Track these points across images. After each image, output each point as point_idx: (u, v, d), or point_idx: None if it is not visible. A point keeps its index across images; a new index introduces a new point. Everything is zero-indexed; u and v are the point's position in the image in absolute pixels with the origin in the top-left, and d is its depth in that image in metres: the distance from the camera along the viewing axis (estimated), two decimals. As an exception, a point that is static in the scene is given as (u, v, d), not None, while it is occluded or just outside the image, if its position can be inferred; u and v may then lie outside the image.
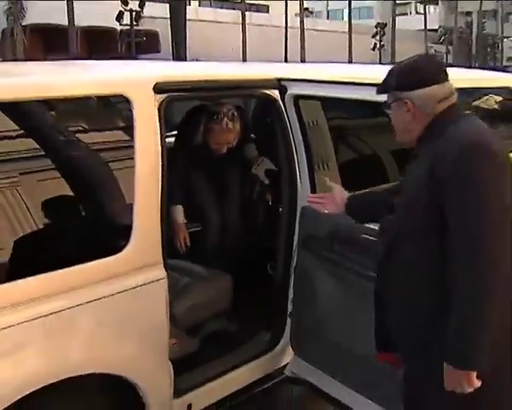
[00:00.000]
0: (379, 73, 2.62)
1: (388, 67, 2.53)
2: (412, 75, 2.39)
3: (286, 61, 36.75)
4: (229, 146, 3.99)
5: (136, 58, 31.37)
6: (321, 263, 3.39)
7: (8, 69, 3.47)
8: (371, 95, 2.66)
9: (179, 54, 29.60)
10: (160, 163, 2.94)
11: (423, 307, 2.33)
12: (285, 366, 3.69)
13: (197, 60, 34.23)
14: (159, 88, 2.99)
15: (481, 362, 2.18)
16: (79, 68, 3.70)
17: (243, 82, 3.52)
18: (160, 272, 2.92)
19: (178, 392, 3.16)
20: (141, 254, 2.86)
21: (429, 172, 2.24)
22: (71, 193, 2.84)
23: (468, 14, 61.62)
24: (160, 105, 2.99)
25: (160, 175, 2.94)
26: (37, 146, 2.80)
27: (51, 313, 2.57)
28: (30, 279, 2.52)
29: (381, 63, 41.58)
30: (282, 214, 3.72)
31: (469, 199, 2.16)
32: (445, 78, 2.38)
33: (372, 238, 2.89)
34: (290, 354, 3.67)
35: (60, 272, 2.59)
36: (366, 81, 3.07)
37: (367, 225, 3.01)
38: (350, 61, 39.98)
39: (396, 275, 2.41)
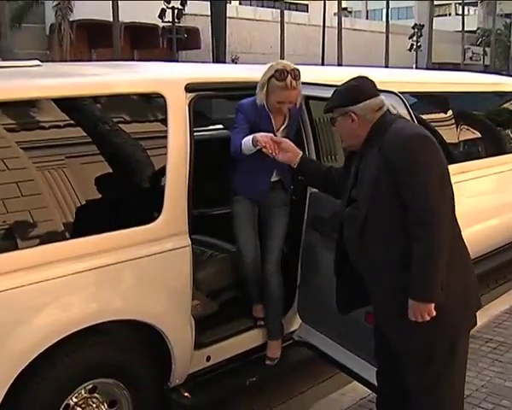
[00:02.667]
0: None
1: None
2: (353, 93, 3.02)
3: (323, 60, 37.04)
4: (290, 106, 3.84)
5: (176, 55, 32.07)
6: (325, 241, 3.91)
7: (65, 70, 4.08)
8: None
9: (219, 50, 30.12)
10: (188, 151, 3.54)
11: (393, 267, 2.91)
12: (293, 331, 4.23)
13: (236, 57, 34.83)
14: (189, 87, 3.60)
15: (438, 296, 2.78)
16: (123, 69, 4.31)
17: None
18: (186, 241, 3.52)
19: (199, 345, 3.73)
20: (170, 224, 3.46)
21: (383, 163, 2.83)
22: (119, 174, 3.44)
23: (508, 16, 61.02)
24: (190, 102, 3.59)
25: (188, 161, 3.53)
26: (98, 134, 3.40)
27: (102, 266, 3.19)
28: (89, 238, 3.16)
29: (417, 65, 41.65)
30: (295, 199, 4.27)
31: (419, 175, 2.77)
32: (377, 92, 3.04)
33: None
34: (298, 321, 4.21)
35: (108, 234, 3.22)
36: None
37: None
38: (386, 62, 40.14)
39: (370, 249, 2.95)
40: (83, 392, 3.28)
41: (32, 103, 3.14)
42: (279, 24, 37.39)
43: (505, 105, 7.16)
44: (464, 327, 3.03)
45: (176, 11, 32.33)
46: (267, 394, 4.21)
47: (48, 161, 3.14)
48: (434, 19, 46.79)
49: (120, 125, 3.43)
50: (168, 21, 32.37)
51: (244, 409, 4.10)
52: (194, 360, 3.73)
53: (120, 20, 29.61)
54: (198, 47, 34.96)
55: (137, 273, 3.35)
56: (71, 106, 3.25)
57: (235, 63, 32.03)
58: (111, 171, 3.40)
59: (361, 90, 3.03)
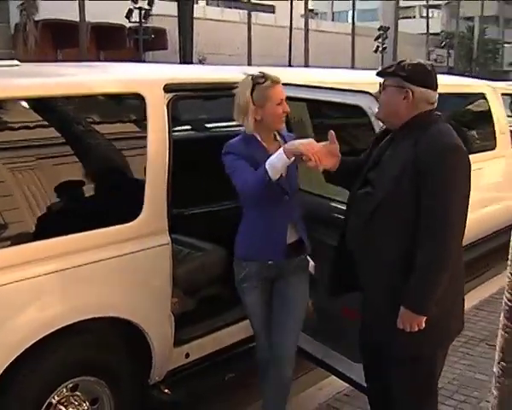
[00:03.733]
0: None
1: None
2: (420, 74, 2.94)
3: (290, 61, 37.24)
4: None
5: (143, 56, 31.91)
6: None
7: (45, 70, 4.09)
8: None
9: (186, 51, 30.07)
10: (167, 150, 3.58)
11: (394, 264, 2.89)
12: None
13: (203, 57, 34.81)
14: (168, 88, 3.64)
15: (431, 310, 2.81)
16: (101, 70, 4.34)
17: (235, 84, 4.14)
18: (166, 239, 3.56)
19: (178, 342, 3.78)
20: (150, 222, 3.50)
21: (412, 160, 2.78)
22: (100, 173, 3.49)
23: (470, 19, 62.03)
24: (169, 102, 3.63)
25: (167, 160, 3.57)
26: (80, 133, 3.44)
27: (84, 264, 3.22)
28: (68, 237, 3.19)
29: (382, 66, 42.08)
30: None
31: (447, 188, 2.75)
32: (437, 87, 2.97)
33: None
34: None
35: (86, 233, 3.25)
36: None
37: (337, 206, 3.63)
38: (352, 63, 40.52)
39: (375, 238, 2.91)
40: (64, 390, 3.30)
41: (15, 103, 3.16)
42: (246, 25, 37.50)
43: (470, 106, 7.34)
44: (451, 335, 3.10)
45: (143, 11, 32.23)
46: (245, 390, 4.27)
47: (31, 161, 3.17)
48: (399, 21, 47.30)
49: (101, 124, 3.48)
50: (135, 22, 32.23)
51: (223, 405, 4.14)
52: (174, 357, 3.78)
53: (87, 20, 29.40)
54: (165, 48, 34.85)
55: (118, 271, 3.39)
56: (54, 105, 3.28)
57: (202, 64, 32.05)
58: (92, 170, 3.44)
59: (430, 76, 2.96)
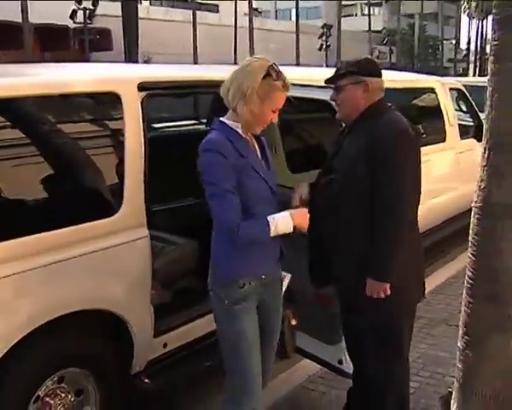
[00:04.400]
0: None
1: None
2: (370, 66, 3.23)
3: (235, 60, 37.35)
4: None
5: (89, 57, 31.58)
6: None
7: (10, 70, 4.15)
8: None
9: (131, 51, 29.88)
10: (143, 147, 3.70)
11: (359, 246, 3.16)
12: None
13: (149, 57, 34.65)
14: (141, 87, 3.76)
15: (392, 278, 3.08)
16: (74, 69, 4.41)
17: (206, 82, 4.28)
18: (144, 232, 3.68)
19: (157, 333, 3.90)
20: (129, 217, 3.61)
21: (369, 147, 3.04)
22: (80, 170, 3.59)
23: (411, 16, 63.36)
24: (143, 100, 3.75)
25: (143, 156, 3.69)
26: (58, 132, 3.52)
27: (65, 260, 3.31)
28: (50, 233, 3.27)
29: (327, 64, 42.65)
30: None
31: (398, 165, 3.02)
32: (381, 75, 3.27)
33: None
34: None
35: (70, 228, 3.35)
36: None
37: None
38: (297, 61, 40.91)
39: (341, 220, 3.20)
40: (50, 383, 3.39)
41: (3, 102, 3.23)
42: (191, 24, 37.50)
43: (421, 101, 7.63)
44: (414, 302, 3.38)
45: (87, 12, 31.91)
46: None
47: (12, 159, 3.27)
48: (342, 19, 47.97)
49: (80, 123, 3.57)
50: (80, 22, 31.89)
51: (202, 391, 4.25)
52: (153, 347, 3.89)
53: (30, 21, 28.94)
54: (110, 48, 34.58)
55: (100, 264, 3.48)
56: (31, 105, 3.38)
57: (148, 64, 31.88)
58: (74, 168, 3.54)
59: (377, 66, 3.27)
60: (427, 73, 9.22)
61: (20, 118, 3.39)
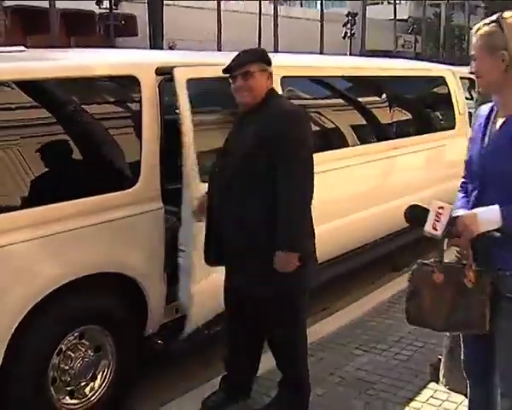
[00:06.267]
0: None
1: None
2: (267, 56, 3.48)
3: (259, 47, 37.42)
4: None
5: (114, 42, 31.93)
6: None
7: (38, 55, 4.51)
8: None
9: (156, 37, 30.23)
10: (159, 126, 4.03)
11: (259, 226, 3.35)
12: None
13: (173, 43, 34.97)
14: (159, 71, 4.09)
15: (301, 248, 3.30)
16: (97, 54, 4.77)
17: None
18: (159, 204, 4.02)
19: (170, 299, 4.23)
20: (145, 190, 3.96)
21: (263, 131, 3.30)
22: (102, 146, 3.96)
23: (437, 5, 62.79)
24: (160, 84, 4.08)
25: (159, 135, 4.02)
26: (85, 112, 3.89)
27: (89, 226, 3.67)
28: (76, 201, 3.63)
29: (350, 52, 42.62)
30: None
31: (297, 146, 3.29)
32: None
33: None
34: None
35: (93, 197, 3.71)
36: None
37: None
38: (321, 49, 40.96)
39: (236, 204, 3.38)
40: (72, 338, 3.74)
41: (30, 84, 3.59)
42: (215, 11, 37.71)
43: (431, 89, 7.87)
44: (313, 274, 3.66)
45: (113, -2, 32.35)
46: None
47: (45, 136, 3.67)
48: (367, 7, 47.87)
49: (102, 104, 3.92)
50: (105, 8, 32.30)
51: (212, 355, 4.56)
52: (166, 312, 4.23)
53: (56, 6, 29.40)
54: (135, 34, 34.95)
55: (120, 231, 3.84)
56: (64, 86, 3.74)
57: (172, 50, 32.18)
58: (97, 146, 3.92)
59: (268, 56, 3.51)
60: (452, 64, 9.41)
61: (52, 99, 3.78)
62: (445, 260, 2.73)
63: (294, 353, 3.70)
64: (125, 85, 4.06)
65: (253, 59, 3.40)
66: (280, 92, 4.82)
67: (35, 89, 3.63)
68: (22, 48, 4.09)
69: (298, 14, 50.74)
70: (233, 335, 3.87)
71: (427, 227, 2.63)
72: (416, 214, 2.79)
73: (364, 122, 6.28)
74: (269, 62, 3.46)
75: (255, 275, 3.41)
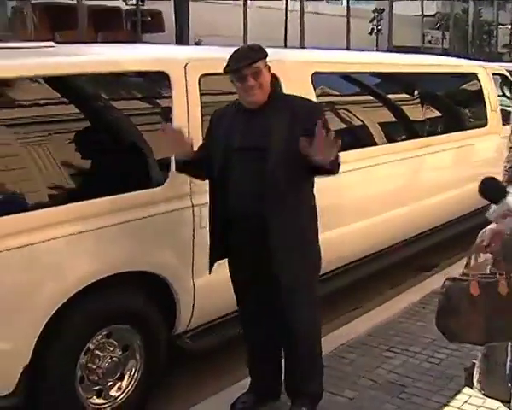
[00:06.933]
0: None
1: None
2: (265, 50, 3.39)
3: (285, 43, 37.43)
4: None
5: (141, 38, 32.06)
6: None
7: (78, 51, 4.48)
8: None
9: (182, 33, 30.29)
10: (188, 125, 3.96)
11: (300, 210, 3.38)
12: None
13: (199, 40, 34.99)
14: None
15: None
16: (127, 50, 4.73)
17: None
18: (189, 202, 3.95)
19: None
20: (175, 187, 3.89)
21: (296, 118, 3.26)
22: (133, 144, 3.91)
23: (466, 0, 62.06)
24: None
25: (187, 131, 3.95)
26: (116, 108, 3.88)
27: (118, 223, 3.62)
28: (106, 198, 3.59)
29: (377, 48, 42.34)
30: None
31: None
32: None
33: None
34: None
35: (123, 195, 3.66)
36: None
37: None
38: (348, 45, 40.74)
39: (280, 194, 3.27)
40: (100, 337, 3.70)
41: (63, 79, 3.57)
42: (242, 7, 37.66)
43: (463, 85, 7.73)
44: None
45: (140, -6, 32.46)
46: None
47: (78, 131, 3.65)
48: (394, 3, 47.51)
49: (132, 100, 3.88)
50: (132, 4, 32.41)
51: (240, 356, 4.51)
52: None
53: (83, 2, 29.57)
54: (161, 30, 35.04)
55: (149, 229, 3.78)
56: (96, 81, 3.71)
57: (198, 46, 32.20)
58: (128, 141, 3.88)
59: None
60: (483, 60, 9.26)
61: (82, 94, 3.77)
62: (477, 272, 2.67)
63: (316, 340, 3.65)
64: (155, 81, 4.01)
65: (260, 55, 3.30)
66: (311, 88, 4.75)
67: (67, 84, 3.59)
68: (52, 43, 4.05)
69: (324, 10, 50.48)
70: (251, 339, 3.81)
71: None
72: (490, 190, 2.91)
73: (394, 119, 6.19)
74: (267, 56, 3.37)
75: (286, 265, 3.37)
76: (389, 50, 36.90)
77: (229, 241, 3.50)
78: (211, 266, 3.60)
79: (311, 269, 3.53)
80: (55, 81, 3.55)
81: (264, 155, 3.27)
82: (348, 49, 38.11)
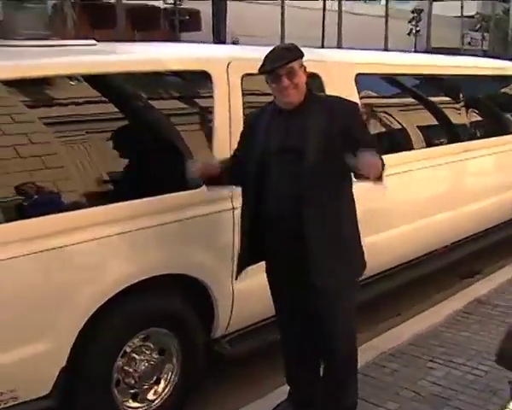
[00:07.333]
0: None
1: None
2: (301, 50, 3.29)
3: (323, 43, 37.22)
4: None
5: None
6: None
7: (121, 49, 4.45)
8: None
9: (219, 32, 30.32)
10: (229, 125, 3.89)
11: (342, 216, 3.29)
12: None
13: (236, 39, 34.99)
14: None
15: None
16: (168, 49, 4.67)
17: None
18: (230, 204, 3.86)
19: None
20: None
21: (332, 118, 3.18)
22: (174, 145, 3.82)
23: (506, 1, 60.94)
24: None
25: (229, 134, 3.88)
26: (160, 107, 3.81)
27: (156, 226, 3.56)
28: (149, 199, 3.54)
29: (415, 49, 41.91)
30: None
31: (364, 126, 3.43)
32: None
33: None
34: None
35: (163, 196, 3.60)
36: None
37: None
38: (386, 46, 40.37)
39: (319, 195, 3.18)
40: (137, 340, 3.65)
41: (107, 77, 3.54)
42: (279, 7, 37.53)
43: (506, 88, 7.53)
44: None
45: (178, -8, 32.57)
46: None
47: (120, 131, 3.59)
48: (433, 3, 46.93)
49: (174, 100, 3.81)
50: (170, 3, 32.53)
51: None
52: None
53: (122, 1, 29.75)
54: (199, 29, 35.08)
55: (187, 232, 3.71)
56: (138, 80, 3.67)
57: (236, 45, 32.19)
58: (170, 142, 3.81)
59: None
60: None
61: (125, 93, 3.74)
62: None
63: (352, 348, 3.53)
64: (197, 81, 3.94)
65: (295, 55, 3.22)
66: (354, 90, 4.65)
67: (110, 83, 3.56)
68: (94, 41, 4.00)
69: (362, 10, 50.06)
70: (287, 344, 3.71)
71: None
72: None
73: (438, 123, 6.05)
74: (303, 56, 3.28)
75: (326, 268, 3.26)
76: (427, 52, 36.42)
77: (266, 243, 3.41)
78: (239, 271, 3.52)
79: (350, 275, 3.42)
80: (100, 79, 3.52)
81: (302, 157, 3.19)
82: (386, 49, 37.76)
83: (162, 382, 3.80)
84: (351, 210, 3.38)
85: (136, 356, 3.67)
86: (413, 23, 45.37)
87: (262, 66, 3.23)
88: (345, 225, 3.33)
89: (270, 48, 3.31)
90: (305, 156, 3.18)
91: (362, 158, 2.96)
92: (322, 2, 39.82)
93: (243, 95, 3.99)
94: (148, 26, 32.97)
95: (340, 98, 3.44)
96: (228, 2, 31.27)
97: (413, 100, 5.93)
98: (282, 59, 3.17)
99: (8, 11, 28.22)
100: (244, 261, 3.50)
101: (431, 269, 5.72)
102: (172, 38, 31.25)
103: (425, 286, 5.83)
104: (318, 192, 3.19)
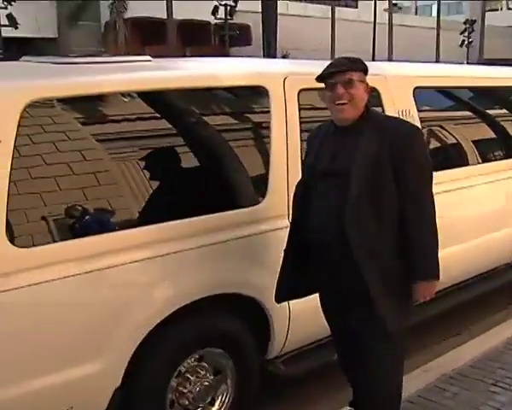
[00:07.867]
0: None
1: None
2: (366, 66, 3.13)
3: (373, 56, 36.97)
4: None
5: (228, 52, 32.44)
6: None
7: (169, 65, 4.43)
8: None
9: (270, 47, 30.36)
10: (286, 141, 3.82)
11: (389, 251, 3.02)
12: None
13: (287, 52, 35.03)
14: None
15: (438, 274, 3.06)
16: (223, 64, 4.63)
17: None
18: (285, 222, 3.76)
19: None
20: (272, 207, 3.75)
21: (386, 144, 2.98)
22: (229, 162, 3.74)
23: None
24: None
25: (286, 150, 3.81)
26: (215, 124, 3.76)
27: (210, 245, 3.50)
28: (205, 217, 3.49)
29: (468, 61, 41.25)
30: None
31: (421, 163, 3.07)
32: None
33: None
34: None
35: (219, 214, 3.55)
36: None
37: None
38: (437, 58, 39.86)
39: (363, 224, 2.96)
40: (191, 361, 3.59)
41: (163, 94, 3.54)
42: (328, 20, 37.46)
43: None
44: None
45: (228, 8, 32.70)
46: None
47: (175, 149, 3.58)
48: (486, 14, 46.15)
49: (230, 115, 3.76)
50: (221, 18, 32.75)
51: (334, 383, 4.30)
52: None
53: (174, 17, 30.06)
54: (249, 44, 35.22)
55: (243, 251, 3.65)
56: (193, 96, 3.65)
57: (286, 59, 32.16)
58: (224, 159, 3.73)
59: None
60: None
61: (182, 109, 3.71)
62: None
63: (395, 396, 3.31)
64: (253, 96, 3.89)
65: (356, 67, 3.07)
66: (413, 104, 4.53)
67: (167, 99, 3.54)
68: (148, 57, 3.98)
69: (412, 22, 49.59)
70: (341, 365, 3.57)
71: None
72: None
73: (499, 137, 5.85)
74: (366, 72, 3.13)
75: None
76: (480, 63, 35.83)
77: (312, 269, 3.27)
78: (278, 297, 3.41)
79: (399, 312, 3.08)
80: (157, 96, 3.50)
81: (348, 182, 2.99)
82: (438, 61, 37.27)
83: (217, 403, 3.74)
84: (399, 239, 3.04)
85: (191, 377, 3.61)
86: (465, 34, 44.65)
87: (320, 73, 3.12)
88: (393, 259, 3.04)
89: (327, 62, 3.21)
90: (350, 182, 2.98)
91: (418, 294, 3.05)
92: (372, 16, 39.52)
93: (300, 110, 3.92)
94: (198, 41, 33.27)
95: (401, 121, 3.26)
96: (278, 17, 31.26)
97: (473, 114, 5.76)
98: (341, 66, 3.07)
99: (63, 29, 28.77)
100: (282, 288, 3.37)
101: (490, 287, 5.54)
102: (222, 52, 31.41)
103: (483, 306, 5.67)
104: (362, 220, 2.97)
